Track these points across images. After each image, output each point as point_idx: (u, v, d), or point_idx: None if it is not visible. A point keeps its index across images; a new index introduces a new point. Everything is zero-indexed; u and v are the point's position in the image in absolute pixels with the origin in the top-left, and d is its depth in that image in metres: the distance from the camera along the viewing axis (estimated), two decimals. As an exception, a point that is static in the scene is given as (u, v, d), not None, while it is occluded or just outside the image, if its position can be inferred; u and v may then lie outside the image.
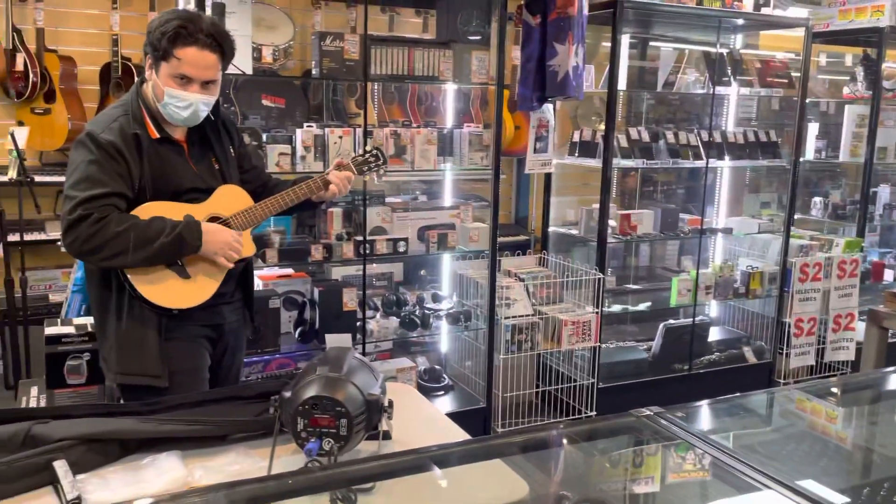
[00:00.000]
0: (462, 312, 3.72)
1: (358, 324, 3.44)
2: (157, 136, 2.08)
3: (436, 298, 3.92)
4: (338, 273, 3.89)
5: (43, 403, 2.39)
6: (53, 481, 1.51)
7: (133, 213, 2.03)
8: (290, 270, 3.57)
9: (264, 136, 3.19)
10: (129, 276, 2.03)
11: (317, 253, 3.30)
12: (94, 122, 2.08)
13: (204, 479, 1.53)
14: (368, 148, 2.46)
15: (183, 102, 2.04)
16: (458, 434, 1.81)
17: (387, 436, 1.69)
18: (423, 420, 1.92)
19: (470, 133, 3.50)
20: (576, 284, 3.97)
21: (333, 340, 1.90)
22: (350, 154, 2.37)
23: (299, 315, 3.47)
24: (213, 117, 2.19)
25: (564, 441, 1.56)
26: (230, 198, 2.18)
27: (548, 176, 4.29)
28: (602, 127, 4.10)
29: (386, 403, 1.66)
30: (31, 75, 3.76)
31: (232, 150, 2.27)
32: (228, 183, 2.21)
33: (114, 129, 2.02)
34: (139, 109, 2.07)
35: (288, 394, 1.66)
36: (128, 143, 2.02)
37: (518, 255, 4.12)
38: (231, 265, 2.14)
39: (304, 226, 3.64)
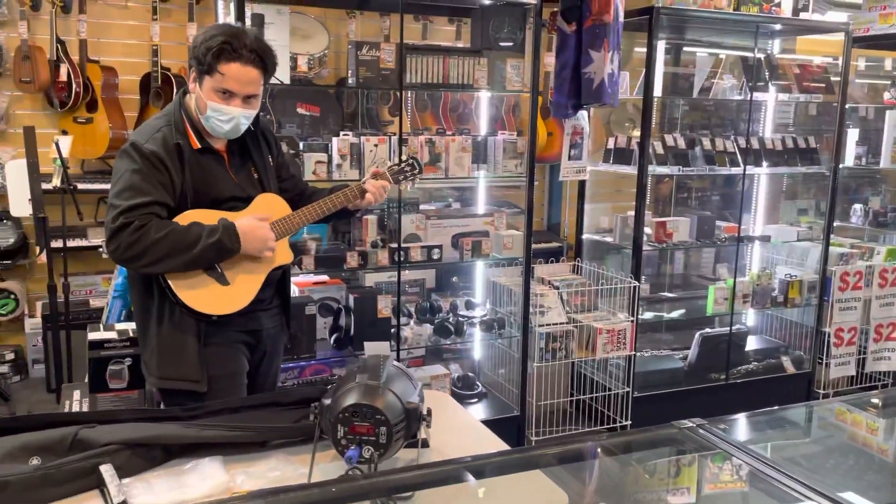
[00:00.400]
0: (496, 320, 3.72)
1: (392, 330, 3.46)
2: (199, 146, 2.12)
3: (469, 305, 3.92)
4: (371, 280, 3.92)
5: (85, 407, 2.44)
6: (100, 485, 1.54)
7: (173, 220, 2.07)
8: (325, 277, 3.60)
9: (301, 145, 3.23)
10: (169, 281, 2.06)
11: (352, 260, 3.32)
12: (137, 133, 2.13)
13: (246, 485, 1.55)
14: (404, 157, 2.48)
15: (225, 116, 2.08)
16: (496, 443, 1.80)
17: (425, 444, 1.69)
18: (460, 428, 1.92)
19: (504, 140, 3.50)
20: (610, 292, 3.94)
21: (372, 348, 1.90)
22: (385, 162, 2.40)
23: (334, 321, 3.50)
24: (252, 128, 2.23)
25: (604, 452, 1.55)
26: (269, 206, 2.21)
27: (581, 183, 4.27)
28: (636, 133, 4.07)
29: (424, 412, 1.67)
30: (74, 85, 3.85)
31: (271, 160, 2.31)
32: (267, 191, 2.24)
33: (157, 139, 2.06)
34: (181, 120, 2.12)
35: (328, 401, 1.67)
36: (170, 153, 2.06)
37: (551, 262, 4.11)
38: (271, 258, 2.17)
39: (339, 233, 3.67)
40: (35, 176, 3.17)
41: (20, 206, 3.34)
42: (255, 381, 2.34)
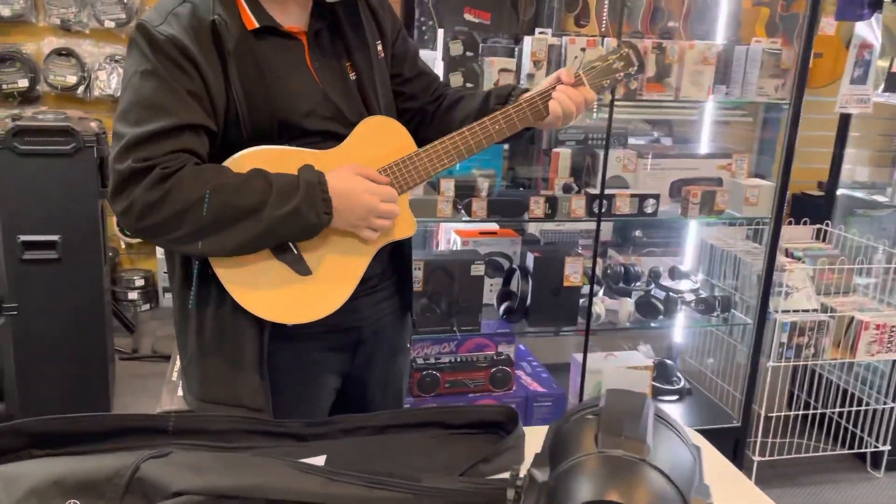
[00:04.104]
0: (718, 298, 2.76)
1: (582, 304, 2.60)
2: (256, 24, 1.28)
3: (675, 274, 2.98)
4: (549, 233, 3.06)
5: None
6: None
7: (222, 165, 1.28)
8: (494, 226, 2.77)
9: (480, 47, 2.36)
10: (216, 269, 1.29)
11: (536, 208, 2.46)
12: (152, 9, 1.29)
13: None
14: (613, 47, 1.51)
15: None
16: None
17: None
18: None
19: (764, 51, 2.46)
20: (875, 271, 2.88)
21: (615, 377, 1.03)
22: (590, 63, 1.43)
23: (505, 284, 2.68)
24: None
25: None
26: (380, 137, 1.36)
27: (843, 119, 3.15)
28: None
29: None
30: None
31: (380, 48, 1.44)
32: (375, 110, 1.39)
33: (180, 16, 1.24)
34: None
35: (542, 476, 0.88)
36: (201, 40, 1.23)
37: (790, 223, 3.06)
38: (377, 236, 1.34)
39: (511, 170, 2.81)
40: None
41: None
42: (357, 397, 1.55)
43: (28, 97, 3.74)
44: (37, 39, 3.74)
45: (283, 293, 1.31)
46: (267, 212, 1.22)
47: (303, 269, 1.31)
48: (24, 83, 3.68)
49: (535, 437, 1.10)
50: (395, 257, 1.51)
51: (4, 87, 3.66)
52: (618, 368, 2.62)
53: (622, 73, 1.46)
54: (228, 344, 1.35)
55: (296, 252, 1.31)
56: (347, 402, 1.55)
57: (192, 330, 1.38)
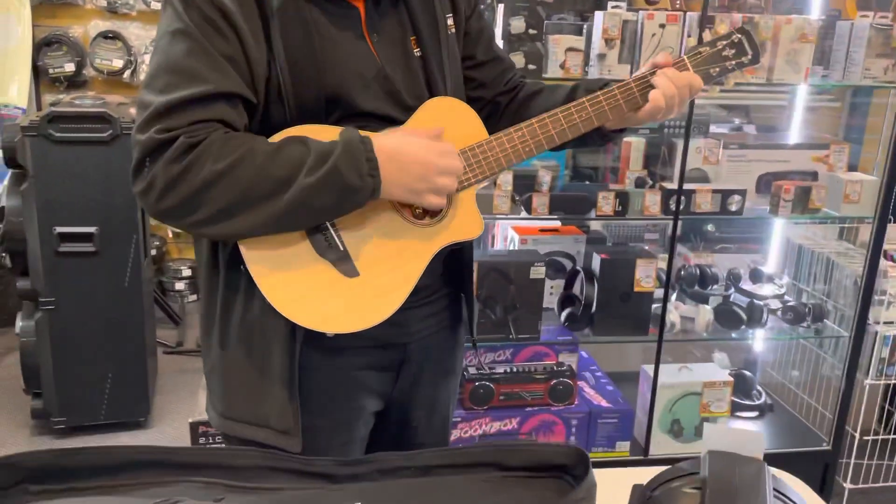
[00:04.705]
0: (809, 306, 2.46)
1: (654, 310, 2.34)
2: None
3: (756, 276, 2.68)
4: (615, 231, 2.81)
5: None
6: None
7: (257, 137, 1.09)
8: (556, 223, 2.53)
9: (545, 24, 2.11)
10: (249, 265, 1.09)
11: (605, 204, 2.20)
12: None
13: None
14: (723, 31, 1.27)
15: None
16: None
17: None
18: None
19: (872, 27, 2.14)
20: None
21: (716, 436, 0.78)
22: (696, 48, 1.20)
23: (567, 286, 2.43)
24: None
25: None
26: (446, 121, 1.14)
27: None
28: None
29: None
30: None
31: (451, 23, 1.24)
32: (441, 93, 1.19)
33: None
34: None
35: None
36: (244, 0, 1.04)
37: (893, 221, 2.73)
38: (443, 202, 1.11)
39: (580, 165, 2.56)
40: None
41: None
42: (399, 422, 1.34)
43: (75, 82, 3.64)
44: (83, 22, 3.64)
45: (324, 296, 1.10)
46: (302, 176, 1.02)
47: (349, 270, 1.10)
48: (70, 67, 3.58)
49: (607, 485, 0.88)
50: (451, 264, 1.29)
51: (51, 71, 3.57)
52: (691, 382, 2.35)
53: (733, 63, 1.22)
54: (256, 352, 1.16)
55: (342, 248, 1.10)
56: (388, 427, 1.35)
57: (214, 331, 1.19)
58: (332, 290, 1.10)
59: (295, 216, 1.04)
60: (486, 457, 1.07)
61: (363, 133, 1.07)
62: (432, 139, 1.09)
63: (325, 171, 1.01)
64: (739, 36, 1.24)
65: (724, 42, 1.24)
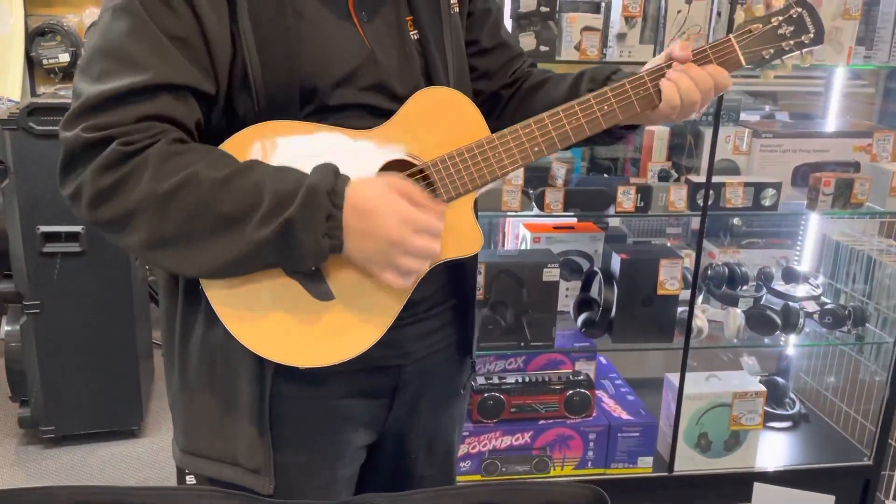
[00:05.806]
0: (849, 309, 2.26)
1: (679, 314, 2.15)
2: None
3: (789, 276, 2.48)
4: (637, 226, 2.62)
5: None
6: None
7: (210, 147, 0.92)
8: (572, 220, 2.34)
9: (557, 1, 1.91)
10: (206, 289, 0.94)
11: (625, 199, 2.01)
12: None
13: None
14: (780, 6, 1.08)
15: None
16: None
17: None
18: None
19: (924, 0, 1.93)
20: None
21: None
22: (746, 24, 1.01)
23: (584, 288, 2.25)
24: None
25: None
26: (441, 116, 0.98)
27: None
28: None
29: None
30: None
31: (455, 1, 1.08)
32: (442, 82, 1.03)
33: None
34: None
35: None
36: None
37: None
38: (409, 285, 0.94)
39: (598, 156, 2.37)
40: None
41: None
42: (395, 454, 1.17)
43: (70, 73, 3.49)
44: (78, 10, 3.49)
45: (293, 323, 0.93)
46: (252, 225, 0.85)
47: (323, 293, 0.92)
48: (65, 58, 3.43)
49: None
50: (453, 275, 1.12)
51: (45, 62, 3.42)
52: (720, 392, 2.16)
53: (791, 42, 1.03)
54: (219, 380, 1.00)
55: (313, 269, 0.93)
56: (382, 461, 1.18)
57: (175, 357, 1.03)
58: (303, 317, 0.93)
59: (242, 267, 0.90)
60: (491, 497, 0.91)
61: (349, 153, 0.92)
62: (418, 206, 0.90)
63: (278, 225, 0.85)
64: (799, 10, 1.04)
65: (781, 17, 1.04)
